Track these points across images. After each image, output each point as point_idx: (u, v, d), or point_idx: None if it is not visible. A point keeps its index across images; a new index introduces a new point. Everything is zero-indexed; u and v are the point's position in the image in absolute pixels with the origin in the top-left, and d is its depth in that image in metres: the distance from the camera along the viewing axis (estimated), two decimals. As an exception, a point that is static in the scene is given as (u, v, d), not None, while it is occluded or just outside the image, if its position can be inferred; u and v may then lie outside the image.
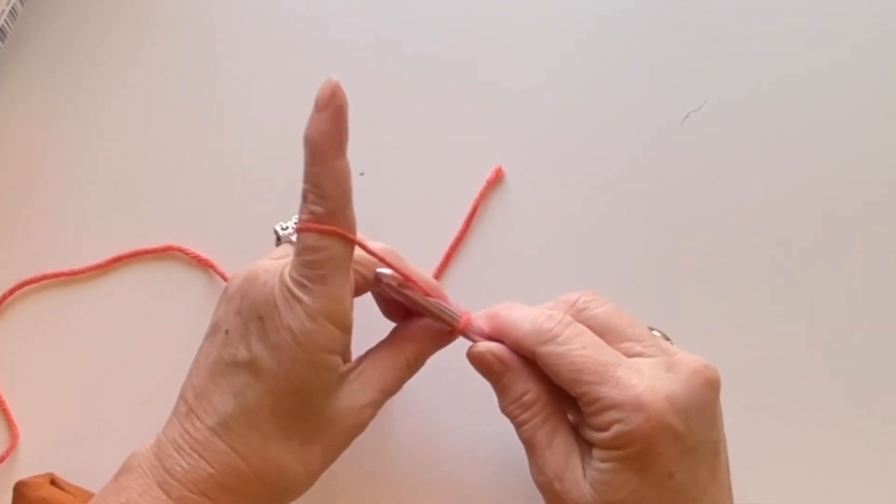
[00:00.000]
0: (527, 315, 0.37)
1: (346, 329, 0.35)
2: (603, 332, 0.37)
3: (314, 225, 0.34)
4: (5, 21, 0.49)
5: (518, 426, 0.37)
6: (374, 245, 0.37)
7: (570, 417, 0.38)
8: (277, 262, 0.36)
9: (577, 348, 0.35)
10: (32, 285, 0.48)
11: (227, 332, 0.36)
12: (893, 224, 0.46)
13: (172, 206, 0.48)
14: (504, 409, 0.38)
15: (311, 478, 0.36)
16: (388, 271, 0.37)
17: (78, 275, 0.47)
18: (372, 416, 0.37)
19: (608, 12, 0.50)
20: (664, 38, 0.49)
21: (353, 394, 0.36)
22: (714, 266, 0.46)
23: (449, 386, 0.44)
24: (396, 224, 0.47)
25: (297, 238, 0.34)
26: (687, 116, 0.48)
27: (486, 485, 0.44)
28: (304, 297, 0.34)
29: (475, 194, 0.47)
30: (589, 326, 0.37)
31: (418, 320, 0.39)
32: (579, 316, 0.37)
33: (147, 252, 0.47)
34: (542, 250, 0.47)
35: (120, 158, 0.49)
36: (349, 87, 0.48)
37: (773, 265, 0.46)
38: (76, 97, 0.50)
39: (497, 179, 0.47)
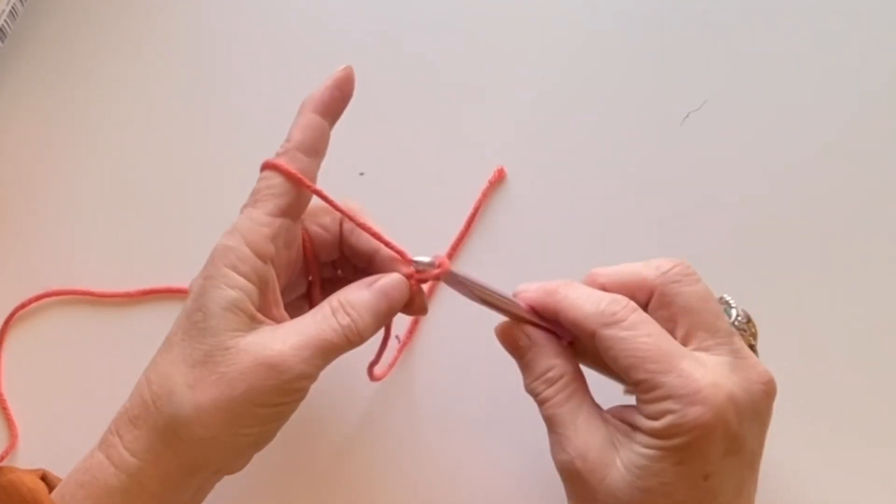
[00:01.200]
0: (589, 296, 0.36)
1: (259, 253, 0.35)
2: (684, 312, 0.36)
3: (267, 160, 0.37)
4: (5, 21, 0.49)
5: (541, 403, 0.36)
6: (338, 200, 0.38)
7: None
8: None
9: (642, 335, 0.34)
10: (60, 297, 0.47)
11: None
12: (894, 224, 0.47)
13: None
14: (528, 387, 0.37)
15: (205, 414, 0.33)
16: (420, 258, 0.38)
17: (108, 298, 0.47)
18: (287, 355, 0.34)
19: (608, 13, 0.50)
20: (664, 38, 0.49)
21: (264, 334, 0.35)
22: (714, 266, 0.46)
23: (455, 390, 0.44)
24: (397, 224, 0.46)
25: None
26: (687, 116, 0.48)
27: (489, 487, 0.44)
28: (236, 219, 0.36)
29: (477, 195, 0.47)
30: (672, 302, 0.36)
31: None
32: (667, 287, 0.36)
33: (181, 291, 0.47)
34: (544, 250, 0.47)
35: (124, 166, 0.49)
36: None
37: (773, 264, 0.46)
38: (76, 97, 0.50)
39: (499, 180, 0.48)
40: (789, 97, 0.48)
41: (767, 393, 0.35)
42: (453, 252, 0.47)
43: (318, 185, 0.38)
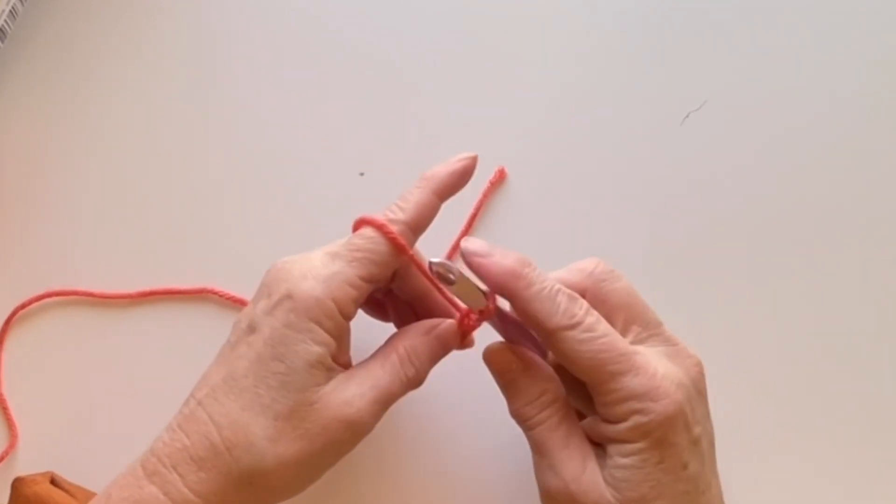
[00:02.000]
0: (549, 291, 0.35)
1: (345, 314, 0.35)
2: (618, 308, 0.36)
3: (377, 220, 0.36)
4: (5, 21, 0.49)
5: (531, 428, 0.36)
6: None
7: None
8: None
9: (600, 336, 0.34)
10: (61, 297, 0.47)
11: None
12: (894, 224, 0.47)
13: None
14: (518, 411, 0.37)
15: (283, 467, 0.34)
16: (438, 259, 0.37)
17: (108, 299, 0.47)
18: (364, 412, 0.35)
19: (609, 13, 0.50)
20: (664, 38, 0.49)
21: (340, 385, 0.35)
22: (715, 265, 0.47)
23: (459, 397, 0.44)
24: (398, 224, 0.47)
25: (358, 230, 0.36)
26: (687, 116, 0.48)
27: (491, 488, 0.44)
28: (321, 264, 0.35)
29: (478, 195, 0.47)
30: (605, 299, 0.36)
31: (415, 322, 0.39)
32: (597, 287, 0.37)
33: (181, 292, 0.47)
34: (545, 250, 0.46)
35: (125, 166, 0.49)
36: (351, 88, 0.49)
37: (773, 264, 0.47)
38: (76, 97, 0.50)
39: (499, 180, 0.48)
40: (789, 97, 0.48)
41: (701, 373, 0.36)
42: (453, 252, 0.47)
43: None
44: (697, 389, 0.35)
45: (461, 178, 0.38)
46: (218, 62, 0.50)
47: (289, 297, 0.35)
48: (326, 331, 0.35)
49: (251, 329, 0.35)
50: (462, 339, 0.38)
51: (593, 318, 0.35)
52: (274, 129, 0.49)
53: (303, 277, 0.35)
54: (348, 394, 0.35)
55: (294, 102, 0.50)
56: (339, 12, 0.51)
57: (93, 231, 0.48)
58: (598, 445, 0.36)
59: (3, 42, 0.49)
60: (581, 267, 0.37)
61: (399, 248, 0.36)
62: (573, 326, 0.34)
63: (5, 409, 0.46)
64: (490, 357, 0.38)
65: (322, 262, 0.36)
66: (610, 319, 0.36)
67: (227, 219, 0.48)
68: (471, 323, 0.38)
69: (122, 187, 0.49)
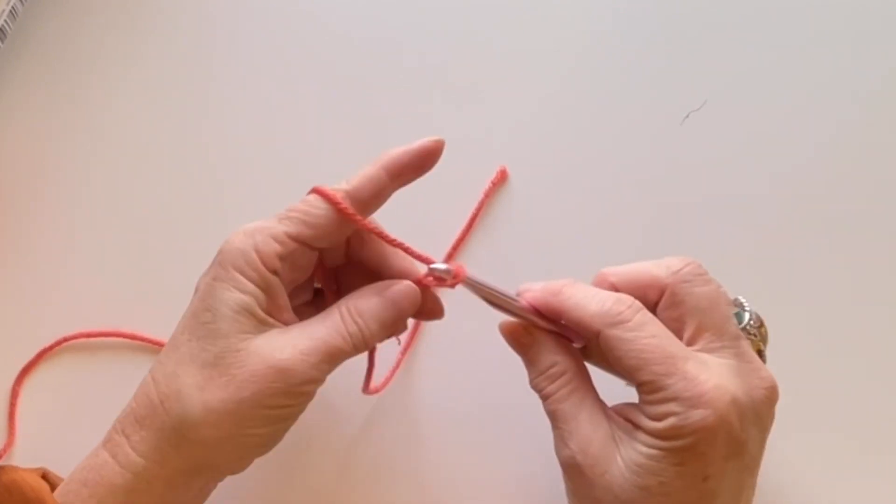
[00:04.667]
0: (594, 296, 0.36)
1: (268, 266, 0.35)
2: (693, 312, 0.36)
3: (320, 188, 0.36)
4: (5, 21, 0.49)
5: (544, 398, 0.37)
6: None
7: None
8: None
9: (647, 336, 0.34)
10: (118, 339, 0.47)
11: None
12: (894, 224, 0.47)
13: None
14: (533, 383, 0.37)
15: (213, 416, 0.34)
16: (437, 265, 0.37)
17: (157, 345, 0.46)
18: (296, 360, 0.34)
19: (609, 13, 0.50)
20: (665, 38, 0.49)
21: (274, 337, 0.35)
22: (715, 265, 0.47)
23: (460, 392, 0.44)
24: (399, 225, 0.46)
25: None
26: (687, 116, 0.48)
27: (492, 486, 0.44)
28: (254, 224, 0.36)
29: (479, 195, 0.47)
30: (682, 301, 0.36)
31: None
32: (678, 286, 0.36)
33: None
34: (546, 250, 0.47)
35: (125, 166, 0.49)
36: (353, 88, 0.49)
37: (773, 264, 0.47)
38: (76, 97, 0.50)
39: (501, 180, 0.48)
40: (789, 97, 0.48)
41: (770, 398, 0.35)
42: (454, 252, 0.47)
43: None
44: (755, 411, 0.34)
45: (417, 158, 0.37)
46: (218, 62, 0.50)
47: (220, 251, 0.36)
48: (250, 279, 0.35)
49: (195, 291, 0.36)
50: (427, 302, 0.38)
51: (643, 317, 0.35)
52: (273, 130, 0.49)
53: (234, 233, 0.36)
54: (280, 342, 0.35)
55: (294, 102, 0.50)
56: (339, 12, 0.51)
57: (92, 230, 0.48)
58: (629, 423, 0.35)
59: (2, 42, 0.49)
60: (669, 262, 0.37)
61: (341, 212, 0.36)
62: (617, 324, 0.34)
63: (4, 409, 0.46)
64: (504, 328, 0.38)
65: (255, 222, 0.36)
66: (681, 322, 0.36)
67: (225, 218, 0.48)
68: (432, 277, 0.37)
69: (121, 188, 0.49)
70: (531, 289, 0.37)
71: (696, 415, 0.33)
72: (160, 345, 0.46)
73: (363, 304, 0.37)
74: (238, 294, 0.35)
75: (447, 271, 0.36)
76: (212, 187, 0.48)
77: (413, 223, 0.47)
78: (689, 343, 0.35)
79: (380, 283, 0.38)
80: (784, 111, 0.48)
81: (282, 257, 0.36)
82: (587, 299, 0.36)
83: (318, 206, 0.36)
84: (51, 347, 0.46)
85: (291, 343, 0.35)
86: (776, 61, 0.49)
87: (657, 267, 0.37)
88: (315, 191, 0.37)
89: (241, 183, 0.49)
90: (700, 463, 0.33)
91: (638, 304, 0.35)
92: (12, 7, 0.49)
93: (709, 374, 0.33)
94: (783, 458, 0.43)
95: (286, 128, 0.49)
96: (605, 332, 0.35)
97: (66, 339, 0.46)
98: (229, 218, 0.47)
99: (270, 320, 0.36)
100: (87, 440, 0.45)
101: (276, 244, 0.36)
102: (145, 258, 0.48)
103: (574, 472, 0.35)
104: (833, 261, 0.47)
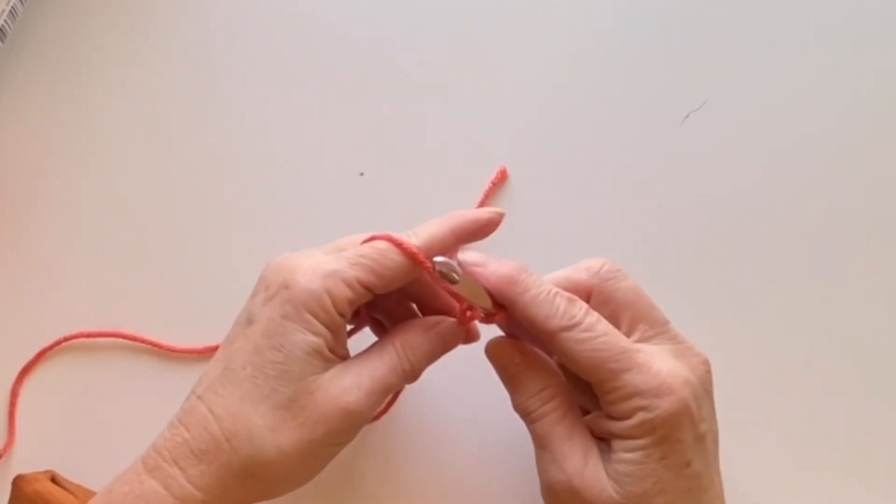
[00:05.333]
0: (547, 295, 0.36)
1: (339, 311, 0.35)
2: (624, 306, 0.37)
3: (394, 237, 0.36)
4: (5, 21, 0.49)
5: (534, 421, 0.36)
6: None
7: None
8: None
9: (599, 335, 0.35)
10: (118, 339, 0.47)
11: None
12: (894, 224, 0.47)
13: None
14: (520, 405, 0.37)
15: (284, 457, 0.34)
16: (441, 258, 0.37)
17: (172, 352, 0.46)
18: (362, 401, 0.35)
19: (609, 13, 0.50)
20: (664, 38, 0.49)
21: (338, 374, 0.35)
22: (715, 265, 0.47)
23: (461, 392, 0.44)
24: (399, 225, 0.46)
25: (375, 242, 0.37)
26: (687, 116, 0.48)
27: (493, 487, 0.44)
28: (321, 261, 0.36)
29: (479, 195, 0.47)
30: (611, 298, 0.37)
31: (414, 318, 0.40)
32: (603, 286, 0.37)
33: None
34: (546, 250, 0.47)
35: (125, 167, 0.49)
36: (353, 88, 0.49)
37: (773, 264, 0.47)
38: (76, 97, 0.50)
39: (501, 180, 0.48)
40: (789, 97, 0.48)
41: (709, 371, 0.37)
42: (454, 252, 0.47)
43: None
44: (704, 387, 0.36)
45: (483, 228, 0.38)
46: (218, 62, 0.50)
47: (286, 287, 0.35)
48: (322, 323, 0.35)
49: (249, 322, 0.36)
50: (466, 333, 0.39)
51: (592, 318, 0.35)
52: (273, 129, 0.49)
53: (301, 270, 0.35)
54: (346, 383, 0.35)
55: (294, 102, 0.50)
56: (340, 12, 0.51)
57: (92, 231, 0.48)
58: (602, 440, 0.36)
59: (2, 42, 0.49)
60: (587, 266, 0.38)
61: (415, 260, 0.36)
62: (572, 327, 0.35)
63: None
64: (492, 351, 0.38)
65: (322, 260, 0.36)
66: (615, 318, 0.37)
67: (225, 218, 0.48)
68: (472, 316, 0.38)
69: (122, 188, 0.49)
70: (477, 262, 0.37)
71: (662, 404, 0.34)
72: (160, 345, 0.46)
73: (416, 342, 0.37)
74: (311, 337, 0.35)
75: (490, 312, 0.37)
76: (212, 187, 0.48)
77: (413, 223, 0.47)
78: (627, 336, 0.36)
79: (428, 319, 0.38)
80: (784, 111, 0.48)
81: (351, 302, 0.36)
82: (541, 299, 0.36)
83: (392, 258, 0.36)
84: (51, 347, 0.46)
85: (356, 384, 0.35)
86: (776, 61, 0.49)
87: (576, 272, 0.38)
88: (390, 241, 0.36)
89: (241, 183, 0.49)
90: (679, 450, 0.34)
91: (586, 305, 0.36)
92: (12, 7, 0.49)
93: (659, 362, 0.35)
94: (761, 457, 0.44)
95: (286, 128, 0.49)
96: (561, 335, 0.35)
97: (66, 339, 0.46)
98: (229, 218, 0.48)
99: (334, 358, 0.36)
100: (87, 440, 0.45)
101: (347, 290, 0.35)
102: (145, 258, 0.48)
103: (570, 496, 0.35)
104: (835, 259, 0.46)
